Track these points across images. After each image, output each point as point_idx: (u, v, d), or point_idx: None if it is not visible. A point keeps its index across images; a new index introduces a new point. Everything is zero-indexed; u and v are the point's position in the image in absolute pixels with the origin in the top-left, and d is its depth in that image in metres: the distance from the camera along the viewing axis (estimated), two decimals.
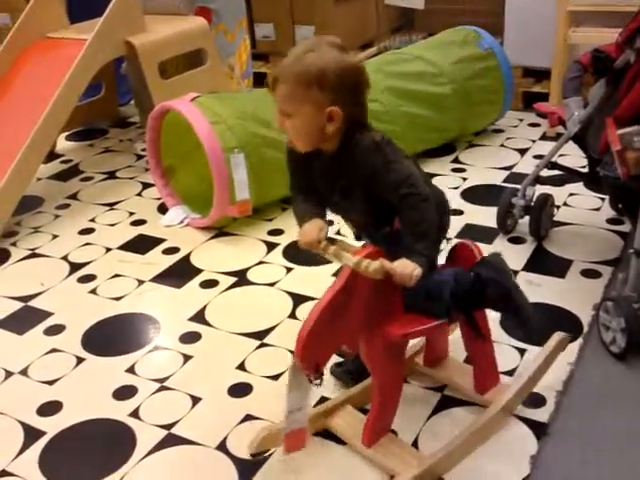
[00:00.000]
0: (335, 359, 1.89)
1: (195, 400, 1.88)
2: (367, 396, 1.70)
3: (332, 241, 1.54)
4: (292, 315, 2.20)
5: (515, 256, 2.40)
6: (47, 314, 2.29)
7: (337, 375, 1.87)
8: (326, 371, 1.56)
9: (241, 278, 2.42)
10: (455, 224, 2.61)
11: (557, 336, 1.86)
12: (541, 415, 1.75)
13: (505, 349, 1.96)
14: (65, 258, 2.62)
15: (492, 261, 1.61)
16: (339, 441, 1.70)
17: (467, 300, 1.55)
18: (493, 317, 1.98)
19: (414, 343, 1.89)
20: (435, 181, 2.97)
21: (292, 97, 1.46)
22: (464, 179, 3.02)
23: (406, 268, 1.42)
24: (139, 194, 3.11)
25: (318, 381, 1.47)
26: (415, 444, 1.69)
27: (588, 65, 2.24)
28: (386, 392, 1.60)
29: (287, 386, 1.48)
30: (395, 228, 1.55)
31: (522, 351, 1.96)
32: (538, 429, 1.71)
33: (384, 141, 1.50)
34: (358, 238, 1.68)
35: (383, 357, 1.54)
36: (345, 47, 1.47)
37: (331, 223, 1.64)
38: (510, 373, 1.88)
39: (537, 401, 1.79)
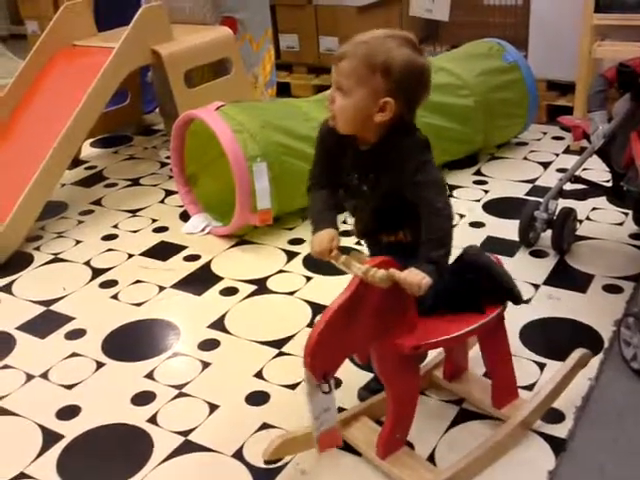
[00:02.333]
0: (362, 381, 1.88)
1: (212, 407, 1.89)
2: (383, 408, 1.69)
3: (345, 250, 1.54)
4: (311, 324, 2.20)
5: (537, 270, 2.39)
6: (68, 318, 2.31)
7: (364, 398, 1.84)
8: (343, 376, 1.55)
9: (261, 286, 2.43)
10: (476, 236, 2.60)
11: (578, 352, 1.85)
12: (560, 430, 1.73)
13: (524, 363, 1.95)
14: (87, 263, 2.64)
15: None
16: (354, 452, 1.70)
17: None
18: (513, 332, 1.97)
19: (433, 356, 1.89)
20: (457, 193, 2.98)
21: (353, 76, 1.45)
22: (486, 191, 3.01)
23: (415, 277, 1.41)
24: (162, 201, 3.14)
25: (327, 389, 1.46)
26: (432, 457, 1.69)
27: (613, 79, 2.24)
28: (400, 404, 1.59)
29: (306, 393, 1.48)
30: (399, 239, 1.58)
31: (542, 365, 1.95)
32: (556, 445, 1.69)
33: (427, 142, 1.52)
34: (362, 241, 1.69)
35: (395, 369, 1.54)
36: (420, 48, 1.48)
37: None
38: (529, 388, 1.87)
39: (556, 416, 1.77)
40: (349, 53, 1.46)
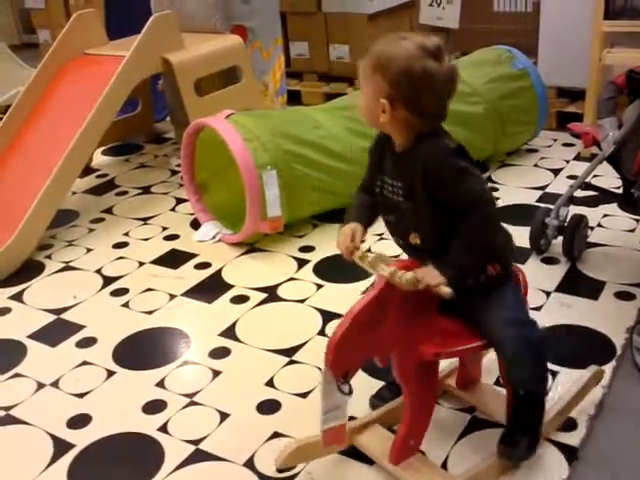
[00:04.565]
0: (373, 389, 1.87)
1: (223, 416, 1.89)
2: (396, 416, 1.69)
3: (370, 252, 1.54)
4: (322, 332, 2.20)
5: (548, 277, 2.38)
6: (79, 327, 2.32)
7: (376, 406, 1.83)
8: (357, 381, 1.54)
9: (271, 294, 2.43)
10: None
11: (592, 368, 1.85)
12: (573, 439, 1.72)
13: None
14: (99, 271, 2.65)
15: None
16: (366, 462, 1.69)
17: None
18: None
19: (447, 365, 1.88)
20: None
21: (363, 74, 1.48)
22: (497, 198, 3.00)
23: (432, 279, 1.41)
24: (173, 209, 3.14)
25: (347, 388, 1.46)
26: (444, 465, 1.68)
27: (623, 86, 2.23)
28: (417, 410, 1.58)
29: (321, 390, 1.48)
30: (412, 242, 1.56)
31: (554, 373, 1.93)
32: (569, 453, 1.68)
33: (459, 148, 1.50)
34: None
35: (415, 374, 1.54)
36: (439, 55, 1.43)
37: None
38: None
39: (569, 425, 1.76)
40: (367, 52, 1.48)
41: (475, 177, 1.49)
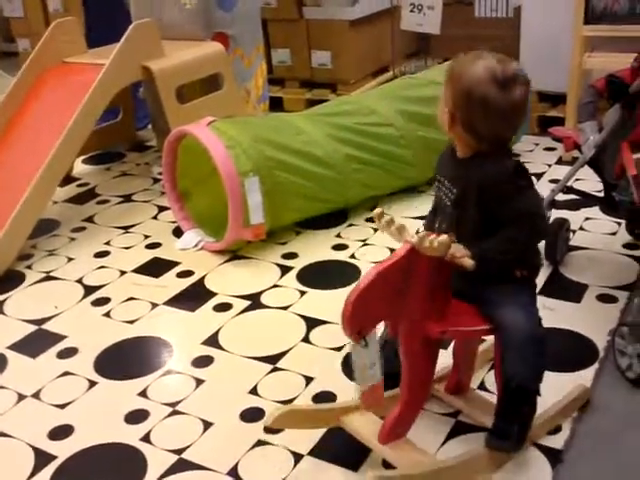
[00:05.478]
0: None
1: (207, 425, 1.87)
2: (385, 405, 1.68)
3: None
4: (305, 339, 2.19)
5: None
6: (60, 337, 2.29)
7: None
8: None
9: (255, 301, 2.42)
10: None
11: (579, 387, 1.85)
12: (556, 442, 1.72)
13: None
14: (80, 281, 2.62)
15: None
16: (351, 467, 1.68)
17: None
18: None
19: (439, 370, 1.86)
20: None
21: (444, 78, 1.57)
22: None
23: (458, 249, 1.48)
24: (155, 217, 3.13)
25: (364, 343, 1.48)
26: None
27: (603, 90, 2.24)
28: (414, 390, 1.60)
29: (350, 350, 1.50)
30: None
31: None
32: (553, 456, 1.68)
33: (517, 167, 1.54)
34: None
35: (419, 350, 1.55)
36: (508, 84, 1.47)
37: None
38: None
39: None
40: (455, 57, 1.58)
41: (531, 193, 1.54)
